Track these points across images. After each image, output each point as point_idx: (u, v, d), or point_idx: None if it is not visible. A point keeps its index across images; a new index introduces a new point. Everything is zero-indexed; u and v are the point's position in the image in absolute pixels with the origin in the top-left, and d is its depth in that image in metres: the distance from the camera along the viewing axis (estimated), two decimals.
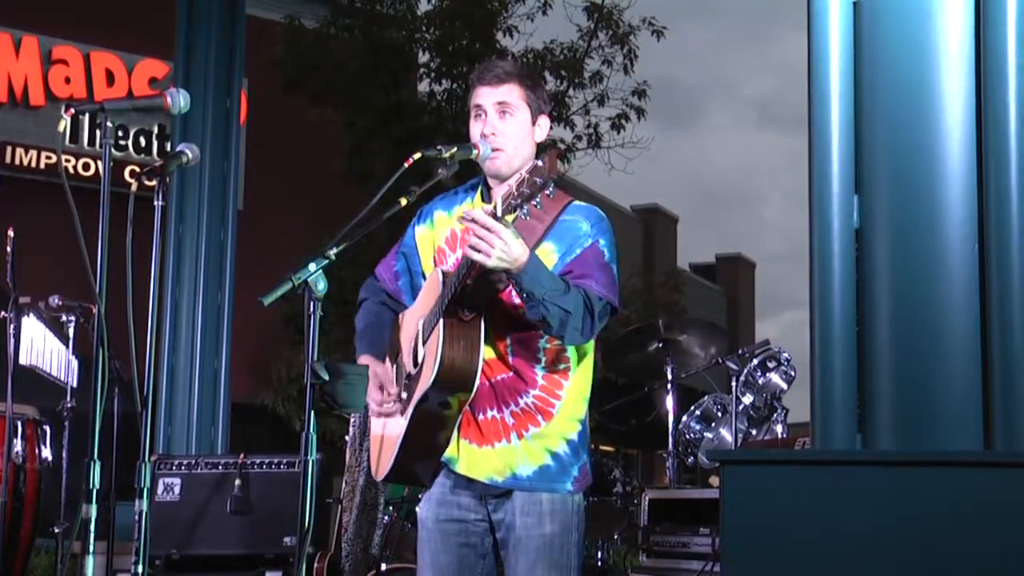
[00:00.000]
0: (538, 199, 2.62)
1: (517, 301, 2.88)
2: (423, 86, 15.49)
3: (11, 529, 5.35)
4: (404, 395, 3.06)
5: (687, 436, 6.29)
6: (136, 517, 2.88)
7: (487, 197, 3.12)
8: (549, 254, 2.97)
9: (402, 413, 3.02)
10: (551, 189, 2.62)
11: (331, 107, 14.68)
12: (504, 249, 2.68)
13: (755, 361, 6.04)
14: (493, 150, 3.02)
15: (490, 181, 3.12)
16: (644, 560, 5.81)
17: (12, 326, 5.41)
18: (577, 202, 3.07)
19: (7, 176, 14.80)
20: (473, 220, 2.68)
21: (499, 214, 2.64)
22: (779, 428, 5.87)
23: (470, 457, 3.00)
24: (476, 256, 2.69)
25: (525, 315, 2.84)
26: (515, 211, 2.62)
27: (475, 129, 3.07)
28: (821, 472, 2.89)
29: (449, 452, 3.01)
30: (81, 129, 15.11)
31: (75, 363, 6.08)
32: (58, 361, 6.35)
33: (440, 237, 3.18)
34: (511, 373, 2.99)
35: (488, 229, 2.67)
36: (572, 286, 2.88)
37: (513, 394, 2.99)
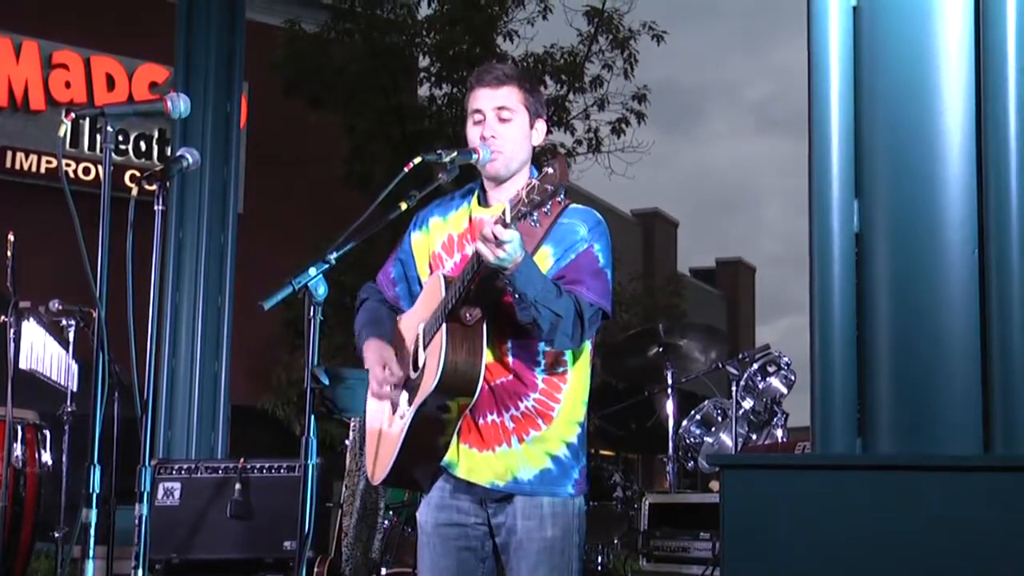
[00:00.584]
0: (548, 206, 2.62)
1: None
2: (423, 90, 15.51)
3: (11, 533, 5.35)
4: (403, 393, 3.06)
5: (687, 440, 6.29)
6: (136, 521, 2.88)
7: (484, 201, 3.12)
8: (546, 258, 2.98)
9: (407, 408, 3.01)
10: (562, 196, 2.63)
11: (331, 111, 14.69)
12: (512, 250, 2.70)
13: (755, 365, 6.04)
14: (492, 152, 3.02)
15: (487, 184, 3.12)
16: (644, 565, 5.81)
17: (12, 330, 5.41)
18: (575, 205, 3.07)
19: (8, 181, 14.81)
20: (495, 235, 2.68)
21: (508, 220, 2.64)
22: (779, 432, 5.87)
23: (470, 461, 3.00)
24: (482, 248, 2.69)
25: (519, 316, 2.84)
26: (525, 217, 2.62)
27: (474, 132, 3.07)
28: (821, 476, 2.89)
29: (449, 456, 3.01)
30: (81, 133, 15.12)
31: (75, 367, 6.08)
32: (58, 365, 6.35)
33: (436, 243, 3.18)
34: (511, 376, 2.99)
35: (503, 239, 2.67)
36: (564, 291, 2.88)
37: (513, 398, 2.99)
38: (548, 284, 2.85)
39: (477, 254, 2.74)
